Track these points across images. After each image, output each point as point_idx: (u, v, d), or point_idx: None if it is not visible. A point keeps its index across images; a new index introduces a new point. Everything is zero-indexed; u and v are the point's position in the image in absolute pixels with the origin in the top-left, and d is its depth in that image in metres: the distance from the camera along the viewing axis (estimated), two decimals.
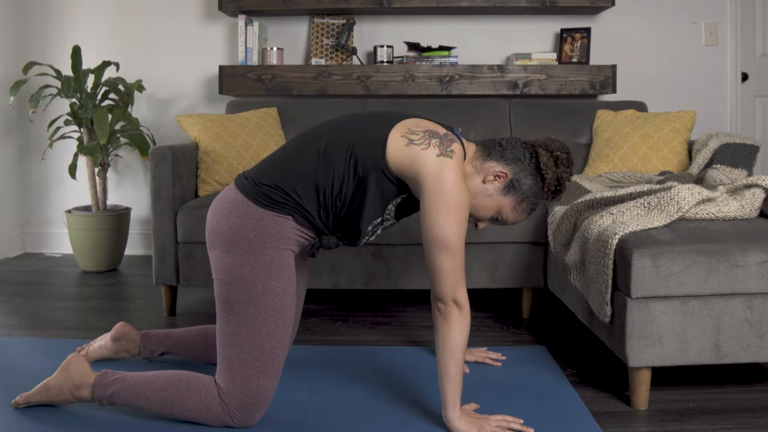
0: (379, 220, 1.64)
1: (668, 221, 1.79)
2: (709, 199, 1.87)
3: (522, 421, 1.59)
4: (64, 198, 3.68)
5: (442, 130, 1.58)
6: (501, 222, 1.66)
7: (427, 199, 1.51)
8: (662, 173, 2.55)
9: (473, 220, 1.68)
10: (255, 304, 1.54)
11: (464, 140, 1.65)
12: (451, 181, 1.49)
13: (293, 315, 1.62)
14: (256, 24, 3.31)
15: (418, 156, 1.52)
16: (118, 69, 3.36)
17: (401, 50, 3.47)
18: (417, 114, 1.68)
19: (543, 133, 3.08)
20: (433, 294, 1.56)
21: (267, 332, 1.54)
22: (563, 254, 2.03)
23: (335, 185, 1.56)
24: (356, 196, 1.58)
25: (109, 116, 3.22)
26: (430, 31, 3.50)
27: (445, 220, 1.49)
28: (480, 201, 1.62)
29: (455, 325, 1.52)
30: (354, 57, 3.44)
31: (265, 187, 1.57)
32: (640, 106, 3.13)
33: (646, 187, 1.99)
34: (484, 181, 1.61)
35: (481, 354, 2.04)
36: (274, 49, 3.32)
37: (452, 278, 1.51)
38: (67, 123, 3.30)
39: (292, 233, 1.59)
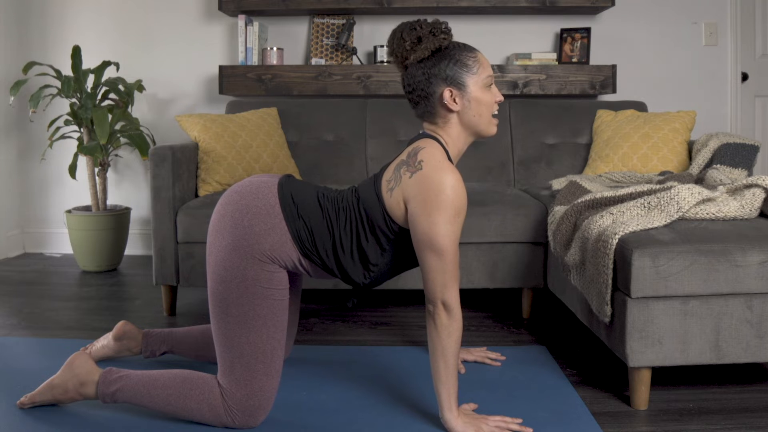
0: None
1: (668, 221, 1.79)
2: (709, 199, 1.86)
3: (521, 421, 1.59)
4: (64, 198, 3.68)
5: (405, 155, 1.58)
6: (497, 95, 1.62)
7: (414, 205, 1.51)
8: (662, 173, 2.55)
9: (497, 107, 1.63)
10: (254, 308, 1.53)
11: (429, 131, 1.64)
12: (430, 185, 1.49)
13: (287, 314, 1.63)
14: (256, 24, 3.31)
15: (400, 193, 1.54)
16: (118, 69, 3.36)
17: None
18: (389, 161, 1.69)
19: (544, 133, 3.08)
20: (425, 295, 1.56)
21: (267, 335, 1.54)
22: (563, 254, 2.03)
23: (373, 260, 1.61)
24: (395, 259, 1.63)
25: (109, 116, 3.22)
26: None
27: (432, 220, 1.48)
28: (477, 112, 1.59)
29: (443, 328, 1.52)
30: (354, 57, 3.44)
31: (301, 222, 1.58)
32: (640, 106, 3.13)
33: (646, 187, 1.99)
34: (455, 111, 1.59)
35: (481, 354, 2.04)
36: (274, 49, 3.32)
37: (440, 279, 1.51)
38: (67, 123, 3.30)
39: (304, 263, 1.62)
